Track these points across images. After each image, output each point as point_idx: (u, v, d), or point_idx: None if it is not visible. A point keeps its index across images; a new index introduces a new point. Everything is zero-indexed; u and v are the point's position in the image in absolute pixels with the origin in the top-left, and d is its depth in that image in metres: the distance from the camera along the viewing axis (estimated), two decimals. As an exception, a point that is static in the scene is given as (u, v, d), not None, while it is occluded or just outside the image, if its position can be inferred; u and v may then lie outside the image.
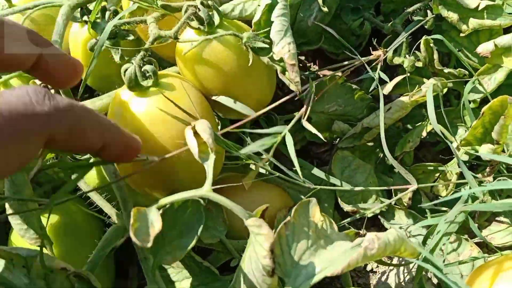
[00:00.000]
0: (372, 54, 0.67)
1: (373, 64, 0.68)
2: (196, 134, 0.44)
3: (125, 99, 0.54)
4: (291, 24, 0.72)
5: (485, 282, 0.48)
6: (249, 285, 0.39)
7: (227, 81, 0.56)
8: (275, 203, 0.63)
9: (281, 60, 0.53)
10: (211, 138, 0.41)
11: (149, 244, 0.35)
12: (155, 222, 0.36)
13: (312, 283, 0.38)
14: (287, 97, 0.59)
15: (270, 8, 0.55)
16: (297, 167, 0.53)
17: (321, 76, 0.76)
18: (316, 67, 0.87)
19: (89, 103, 0.58)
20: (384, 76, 0.65)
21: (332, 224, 0.44)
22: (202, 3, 0.55)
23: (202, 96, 0.57)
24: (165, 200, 0.39)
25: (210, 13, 0.56)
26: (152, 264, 0.38)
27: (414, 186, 0.55)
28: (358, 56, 0.65)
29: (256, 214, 0.39)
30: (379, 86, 0.61)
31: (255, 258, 0.38)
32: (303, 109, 0.60)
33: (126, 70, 0.54)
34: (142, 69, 0.54)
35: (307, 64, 0.87)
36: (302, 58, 0.87)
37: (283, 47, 0.52)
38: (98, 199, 0.54)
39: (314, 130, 0.57)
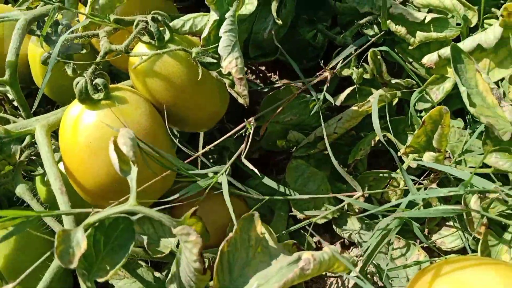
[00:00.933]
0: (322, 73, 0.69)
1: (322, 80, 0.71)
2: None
3: (76, 112, 0.55)
4: (247, 36, 0.75)
5: (424, 286, 0.50)
6: (184, 280, 0.41)
7: (178, 95, 0.58)
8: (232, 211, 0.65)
9: (230, 74, 0.55)
10: (131, 151, 0.42)
11: (74, 265, 0.36)
12: (81, 242, 0.38)
13: None
14: (239, 127, 0.62)
15: (218, 23, 0.57)
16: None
17: (282, 85, 0.79)
18: (277, 77, 0.89)
19: (44, 118, 0.59)
20: (328, 97, 0.68)
21: (273, 236, 0.45)
22: (152, 19, 0.56)
23: (154, 110, 0.58)
24: (93, 218, 0.40)
25: (161, 28, 0.57)
26: (88, 279, 0.40)
27: (360, 193, 0.58)
28: (305, 80, 0.68)
29: (184, 221, 0.41)
30: (320, 111, 0.64)
31: (186, 262, 0.40)
32: (243, 145, 0.62)
33: (78, 83, 0.55)
34: (94, 82, 0.55)
35: (267, 74, 0.89)
36: (263, 68, 0.90)
37: (231, 62, 0.54)
38: (49, 220, 0.54)
39: (251, 167, 0.60)
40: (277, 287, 0.38)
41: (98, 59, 0.55)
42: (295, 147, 0.73)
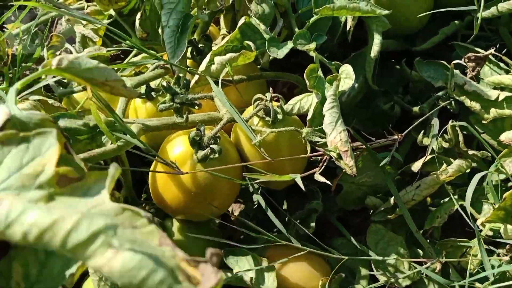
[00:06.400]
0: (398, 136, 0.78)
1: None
2: None
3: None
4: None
5: None
6: None
7: (273, 163, 0.69)
8: (315, 271, 0.74)
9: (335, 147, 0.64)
10: None
11: None
12: None
13: None
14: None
15: (321, 102, 0.67)
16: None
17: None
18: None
19: None
20: (398, 156, 0.77)
21: None
22: (271, 99, 0.69)
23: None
24: None
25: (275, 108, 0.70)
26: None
27: (435, 259, 0.66)
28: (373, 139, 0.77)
29: None
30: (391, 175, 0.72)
31: None
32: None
33: (199, 151, 0.68)
34: (211, 146, 0.68)
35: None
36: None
37: (335, 137, 0.62)
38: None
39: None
40: None
41: (219, 127, 0.67)
42: (372, 211, 0.81)
